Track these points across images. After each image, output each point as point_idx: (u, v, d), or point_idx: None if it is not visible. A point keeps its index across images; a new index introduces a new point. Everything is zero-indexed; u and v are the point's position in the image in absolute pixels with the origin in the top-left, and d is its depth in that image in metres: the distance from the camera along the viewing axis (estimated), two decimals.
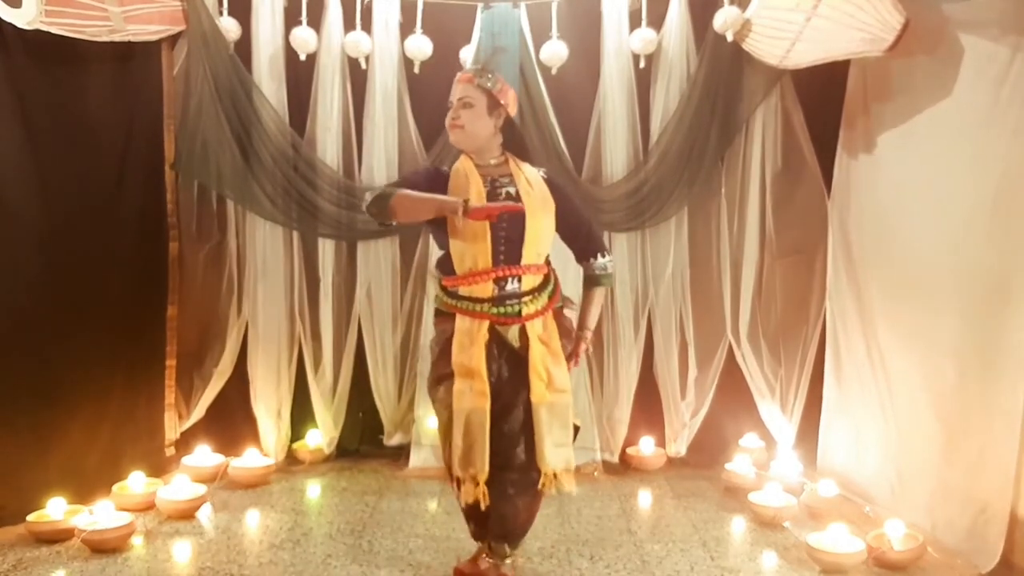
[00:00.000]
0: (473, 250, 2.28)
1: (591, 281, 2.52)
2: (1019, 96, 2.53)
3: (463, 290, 2.33)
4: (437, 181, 2.37)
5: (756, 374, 3.66)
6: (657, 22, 3.56)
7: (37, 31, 2.90)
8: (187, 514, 3.06)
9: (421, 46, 3.56)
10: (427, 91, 3.67)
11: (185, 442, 3.62)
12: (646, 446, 3.75)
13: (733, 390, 3.70)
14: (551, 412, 2.28)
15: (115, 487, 3.16)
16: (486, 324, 2.30)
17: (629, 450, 3.75)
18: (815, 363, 3.61)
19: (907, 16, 2.81)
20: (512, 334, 2.33)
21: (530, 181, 2.38)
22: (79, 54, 3.12)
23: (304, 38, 3.50)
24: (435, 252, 3.55)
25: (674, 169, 3.59)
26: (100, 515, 2.81)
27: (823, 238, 3.56)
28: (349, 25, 3.56)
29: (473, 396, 2.25)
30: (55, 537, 2.77)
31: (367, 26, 3.57)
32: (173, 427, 3.60)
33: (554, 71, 3.57)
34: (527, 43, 3.56)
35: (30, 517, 2.82)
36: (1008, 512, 2.48)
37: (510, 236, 2.29)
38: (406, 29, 3.60)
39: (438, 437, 2.45)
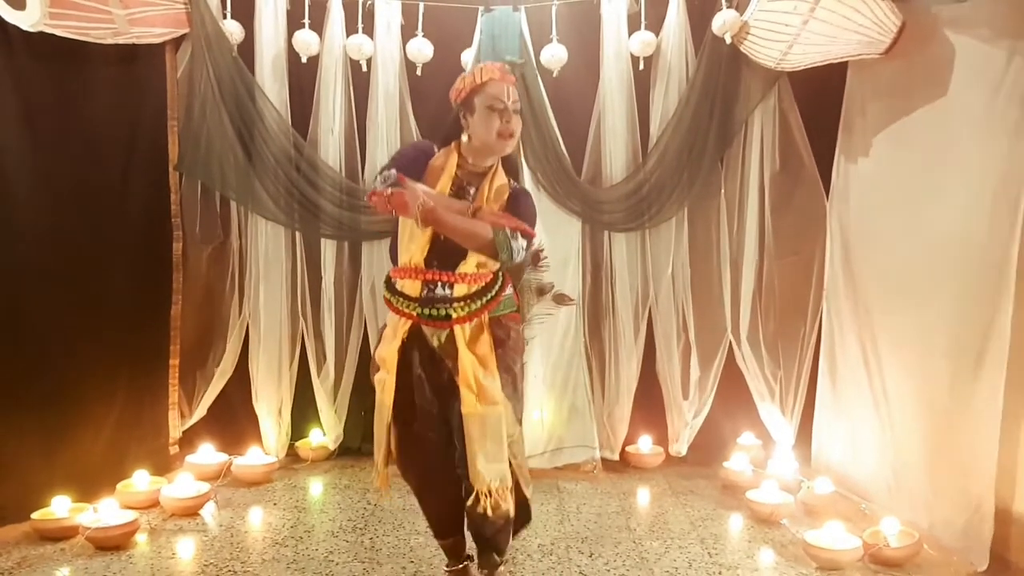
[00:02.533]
0: (411, 246, 2.23)
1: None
2: (1016, 98, 2.54)
3: (397, 284, 2.29)
4: (421, 160, 2.28)
5: (756, 375, 3.68)
6: (656, 25, 3.59)
7: (41, 33, 2.92)
8: (191, 512, 3.08)
9: (422, 49, 3.59)
10: (428, 93, 3.70)
11: (189, 440, 3.65)
12: (645, 444, 3.77)
13: (731, 389, 3.72)
14: (482, 425, 2.16)
15: (119, 485, 3.19)
16: (408, 323, 2.26)
17: (628, 448, 3.78)
18: (812, 362, 3.63)
19: (904, 18, 2.83)
20: (439, 339, 2.25)
21: (494, 195, 2.26)
22: (83, 56, 3.14)
23: (306, 40, 3.53)
24: None
25: (673, 170, 3.62)
26: (104, 513, 2.84)
27: (821, 239, 3.58)
28: (351, 28, 3.59)
29: (385, 391, 2.26)
30: (60, 535, 2.80)
31: (369, 29, 3.60)
32: (176, 426, 3.63)
33: (554, 73, 3.59)
34: (527, 46, 3.58)
35: (35, 515, 2.84)
36: (992, 510, 2.51)
37: (449, 243, 2.17)
38: (408, 32, 3.63)
39: None
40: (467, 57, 3.63)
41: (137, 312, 3.41)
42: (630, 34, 3.60)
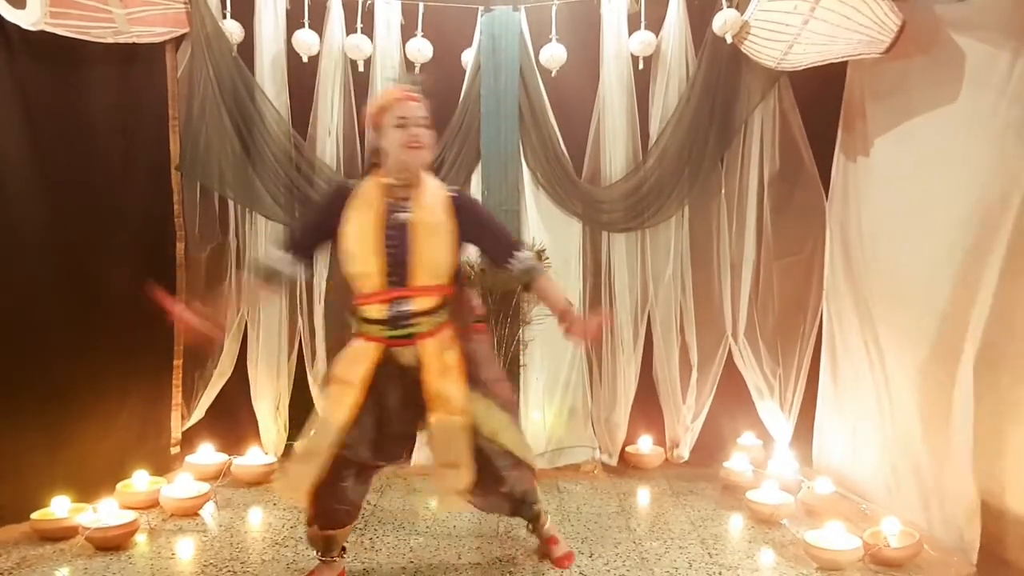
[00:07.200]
0: (368, 270, 2.27)
1: (528, 276, 2.41)
2: (1019, 98, 2.54)
3: (363, 311, 2.32)
4: (336, 203, 2.33)
5: (754, 374, 3.68)
6: (656, 24, 3.59)
7: (42, 32, 2.92)
8: (190, 512, 3.08)
9: (422, 48, 3.59)
10: (427, 93, 3.68)
11: (188, 441, 3.65)
12: (645, 445, 3.77)
13: (731, 389, 3.72)
14: (442, 433, 2.27)
15: (119, 485, 3.19)
16: (380, 346, 2.30)
17: (628, 449, 3.77)
18: (811, 363, 3.64)
19: (904, 18, 2.83)
20: (407, 356, 2.31)
21: (428, 205, 2.32)
22: (83, 56, 3.14)
23: (306, 40, 3.53)
24: None
25: (673, 170, 3.62)
26: (104, 513, 2.84)
27: (821, 239, 3.58)
28: (351, 27, 3.59)
29: (340, 407, 2.26)
30: (59, 535, 2.79)
31: (368, 29, 3.60)
32: (176, 426, 3.62)
33: (554, 73, 3.60)
34: (527, 45, 3.59)
35: (34, 515, 2.84)
36: (977, 508, 2.53)
37: (399, 258, 2.26)
38: (407, 31, 3.63)
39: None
40: (467, 57, 3.64)
41: (139, 312, 3.34)
42: (630, 34, 3.60)
